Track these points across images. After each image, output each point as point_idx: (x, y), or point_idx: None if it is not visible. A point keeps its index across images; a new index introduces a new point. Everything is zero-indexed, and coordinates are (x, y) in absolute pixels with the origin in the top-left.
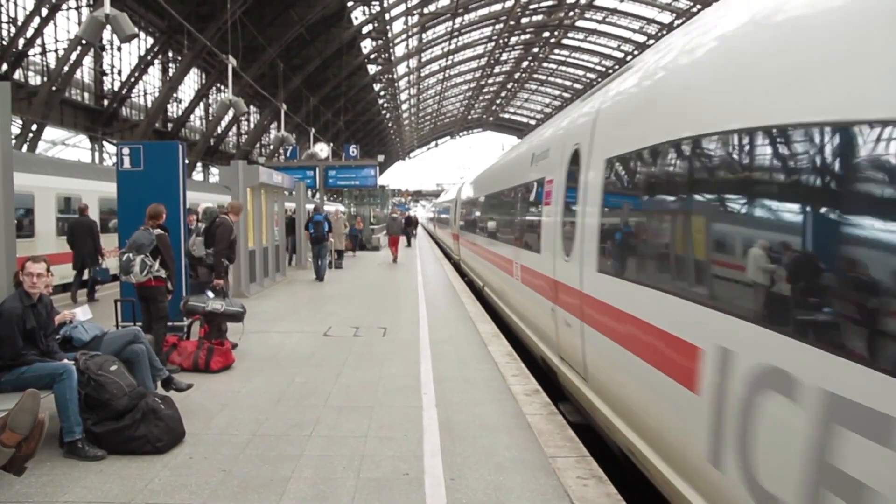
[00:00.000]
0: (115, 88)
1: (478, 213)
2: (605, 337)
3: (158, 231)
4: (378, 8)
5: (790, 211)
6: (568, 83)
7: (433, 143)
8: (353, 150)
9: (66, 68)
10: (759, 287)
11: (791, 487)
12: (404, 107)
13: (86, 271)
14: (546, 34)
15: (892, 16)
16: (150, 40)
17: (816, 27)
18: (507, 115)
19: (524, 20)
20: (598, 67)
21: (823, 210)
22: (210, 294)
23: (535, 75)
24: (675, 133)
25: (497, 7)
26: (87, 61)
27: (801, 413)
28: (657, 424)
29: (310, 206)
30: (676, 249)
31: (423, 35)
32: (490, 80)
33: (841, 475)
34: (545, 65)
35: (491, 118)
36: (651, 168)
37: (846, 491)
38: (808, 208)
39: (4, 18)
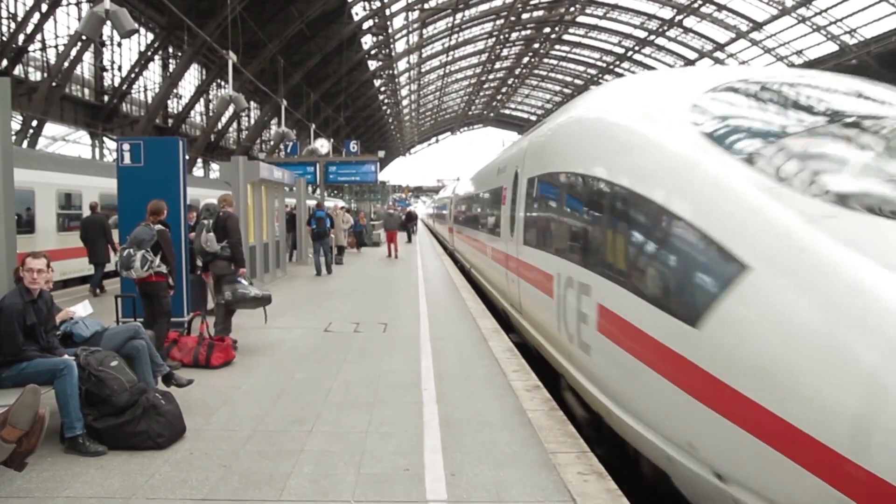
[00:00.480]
0: (116, 84)
1: (465, 210)
2: (526, 282)
3: (159, 227)
4: (378, 4)
5: (570, 208)
6: (569, 79)
7: (434, 139)
8: (354, 145)
9: (66, 64)
10: (566, 244)
11: (573, 325)
12: (405, 103)
13: (103, 265)
14: (547, 30)
15: (579, 135)
16: (151, 36)
17: (571, 134)
18: (507, 111)
19: (525, 16)
20: (600, 63)
21: (572, 208)
22: (243, 281)
23: (536, 71)
24: (546, 169)
25: (498, 3)
26: (88, 57)
27: (574, 291)
28: (542, 321)
29: (311, 203)
30: (546, 227)
31: (424, 31)
32: (491, 76)
33: (582, 313)
34: (546, 60)
35: (492, 114)
36: (541, 186)
37: (584, 318)
38: (572, 208)
39: (4, 14)
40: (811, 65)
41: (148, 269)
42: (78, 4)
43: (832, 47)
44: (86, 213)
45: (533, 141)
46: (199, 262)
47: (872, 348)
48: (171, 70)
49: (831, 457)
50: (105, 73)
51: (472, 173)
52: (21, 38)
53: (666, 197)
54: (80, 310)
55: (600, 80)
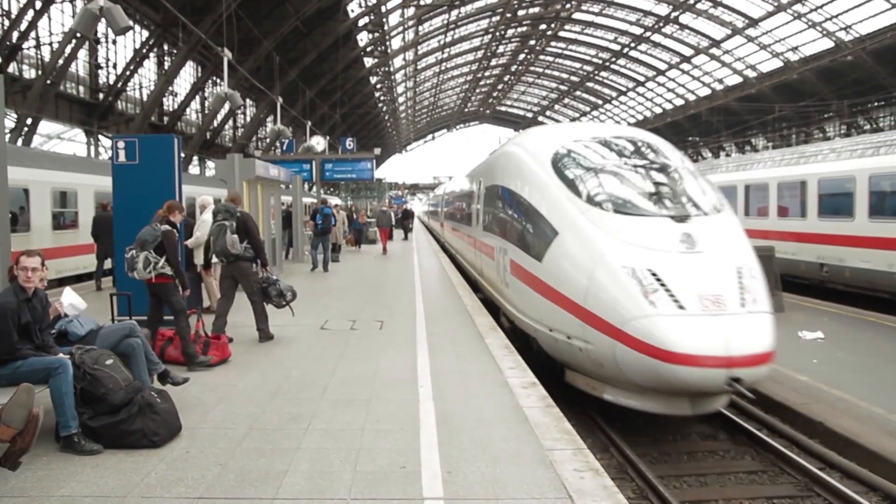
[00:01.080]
0: (111, 82)
1: (451, 208)
2: (483, 254)
3: (165, 227)
4: (374, 1)
5: (500, 205)
6: (565, 75)
7: (430, 137)
8: (350, 143)
9: (60, 61)
10: (498, 227)
11: (502, 274)
12: (401, 100)
13: (108, 261)
14: (542, 26)
15: (497, 164)
16: (146, 33)
17: (501, 161)
18: (503, 108)
19: (521, 12)
20: (595, 60)
21: (500, 205)
22: (274, 277)
23: (532, 68)
24: (492, 182)
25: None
26: (83, 54)
27: (502, 254)
28: (491, 277)
29: (309, 200)
30: (491, 218)
31: (420, 28)
32: (487, 73)
33: (504, 266)
34: (542, 57)
35: (488, 111)
36: (490, 191)
37: (505, 269)
38: (500, 205)
39: None
40: (806, 62)
41: (150, 270)
42: (72, 1)
43: (828, 43)
44: (81, 211)
45: (489, 160)
46: (209, 261)
47: (589, 260)
48: (166, 67)
49: (578, 306)
50: (100, 71)
51: (454, 180)
52: (15, 35)
53: (535, 201)
54: (65, 297)
55: (596, 77)
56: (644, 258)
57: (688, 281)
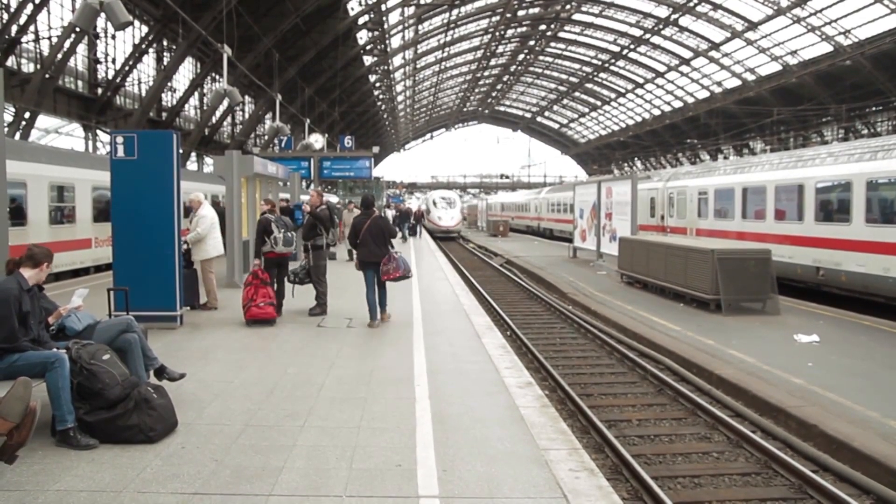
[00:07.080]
0: (110, 77)
1: (424, 210)
2: (429, 223)
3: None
4: None
5: (426, 207)
6: (564, 76)
7: (428, 136)
8: (348, 141)
9: (59, 56)
10: (426, 212)
11: (427, 220)
12: (399, 98)
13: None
14: (542, 27)
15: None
16: (145, 28)
17: (427, 196)
18: (502, 108)
19: (521, 13)
20: (595, 61)
21: (426, 207)
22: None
23: (531, 68)
24: (425, 202)
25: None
26: (81, 49)
27: (426, 217)
28: (430, 224)
29: (305, 198)
30: (429, 212)
31: (420, 27)
32: (486, 73)
33: (426, 219)
34: (541, 58)
35: (486, 111)
36: (426, 204)
37: (426, 219)
38: (427, 207)
39: None
40: (805, 65)
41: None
42: None
43: (827, 48)
44: (79, 205)
45: (426, 195)
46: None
47: (435, 215)
48: (165, 63)
49: (433, 222)
50: (99, 66)
51: (426, 196)
52: (14, 28)
53: (430, 206)
54: (73, 302)
55: (595, 78)
56: (440, 213)
57: (444, 215)
